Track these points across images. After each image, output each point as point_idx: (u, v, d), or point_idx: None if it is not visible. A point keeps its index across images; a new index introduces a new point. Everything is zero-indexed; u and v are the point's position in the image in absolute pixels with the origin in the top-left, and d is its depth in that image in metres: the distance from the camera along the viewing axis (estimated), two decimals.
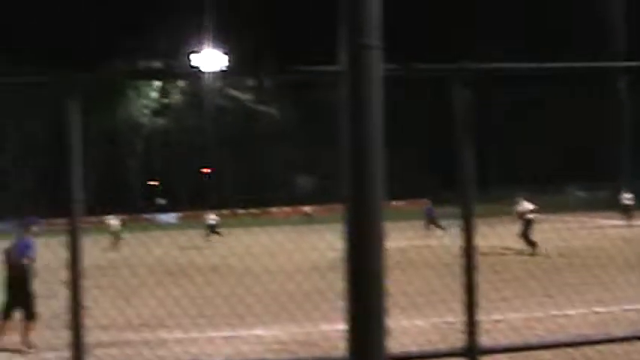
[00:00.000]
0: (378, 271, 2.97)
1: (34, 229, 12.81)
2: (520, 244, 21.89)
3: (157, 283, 9.27)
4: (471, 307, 4.42)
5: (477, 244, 4.35)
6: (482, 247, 4.76)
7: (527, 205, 23.83)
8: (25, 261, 12.12)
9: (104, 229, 37.40)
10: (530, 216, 23.35)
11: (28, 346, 11.57)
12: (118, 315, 9.33)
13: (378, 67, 3.06)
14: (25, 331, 11.72)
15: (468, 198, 4.30)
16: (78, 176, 3.94)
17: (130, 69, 77.60)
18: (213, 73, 4.21)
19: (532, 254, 20.95)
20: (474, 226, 4.36)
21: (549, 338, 9.23)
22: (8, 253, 12.25)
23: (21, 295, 11.78)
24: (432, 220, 32.83)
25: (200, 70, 4.14)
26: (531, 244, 22.20)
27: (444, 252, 12.82)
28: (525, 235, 22.80)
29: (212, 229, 36.43)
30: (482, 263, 4.50)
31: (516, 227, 22.69)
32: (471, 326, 4.40)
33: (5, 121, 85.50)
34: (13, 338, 11.53)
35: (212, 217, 38.11)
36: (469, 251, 4.37)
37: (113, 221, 38.23)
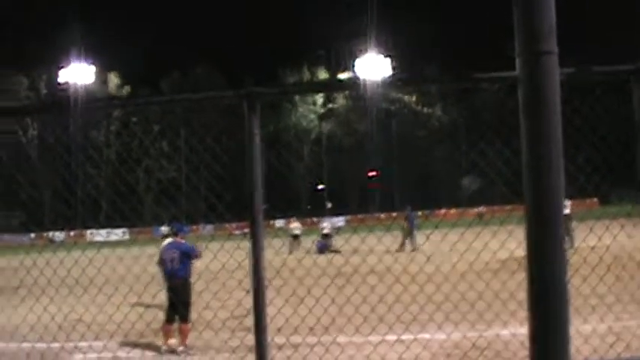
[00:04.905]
0: (561, 276, 2.96)
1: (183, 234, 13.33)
2: None
3: (330, 285, 9.40)
4: None
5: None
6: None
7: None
8: (193, 260, 12.58)
9: (272, 231, 38.23)
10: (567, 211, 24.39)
11: (186, 347, 12.05)
12: (293, 316, 9.55)
13: (555, 72, 3.05)
14: (181, 333, 12.21)
15: None
16: (260, 186, 4.09)
17: (301, 83, 79.12)
18: (382, 80, 4.26)
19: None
20: None
21: None
22: (164, 258, 12.72)
23: (179, 299, 12.27)
24: None
25: (367, 80, 4.18)
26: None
27: (620, 251, 12.38)
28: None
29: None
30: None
31: None
32: None
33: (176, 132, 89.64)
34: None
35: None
36: None
37: (293, 224, 38.98)
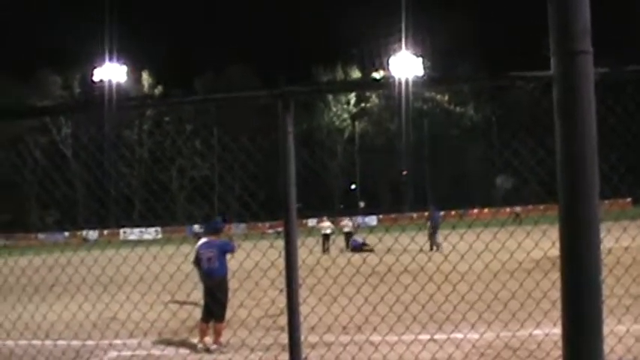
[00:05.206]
0: (595, 276, 2.95)
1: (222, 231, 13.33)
2: None
3: (364, 284, 9.41)
4: None
5: None
6: None
7: None
8: (229, 255, 12.56)
9: (305, 230, 38.22)
10: None
11: (220, 345, 12.08)
12: (326, 315, 9.57)
13: (589, 72, 3.04)
14: (215, 332, 12.23)
15: None
16: (293, 185, 4.10)
17: (334, 82, 78.95)
18: (417, 79, 4.26)
19: None
20: None
21: None
22: (201, 257, 12.67)
23: (216, 299, 12.28)
24: None
25: (401, 79, 4.18)
26: None
27: None
28: None
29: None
30: None
31: None
32: None
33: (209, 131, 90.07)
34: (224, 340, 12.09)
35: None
36: None
37: (324, 223, 38.77)
